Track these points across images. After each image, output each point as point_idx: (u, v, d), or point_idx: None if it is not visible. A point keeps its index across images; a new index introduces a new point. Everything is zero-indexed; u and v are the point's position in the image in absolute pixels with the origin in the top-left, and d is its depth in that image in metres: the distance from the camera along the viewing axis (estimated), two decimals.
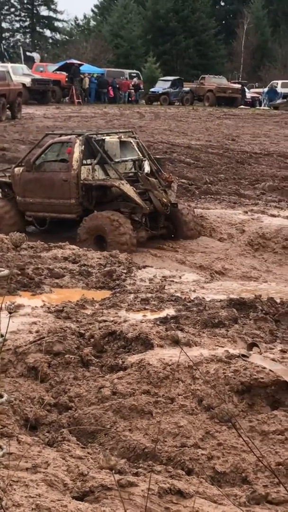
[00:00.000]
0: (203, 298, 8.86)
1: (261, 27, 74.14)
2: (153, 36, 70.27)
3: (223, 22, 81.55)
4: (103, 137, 13.91)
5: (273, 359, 6.36)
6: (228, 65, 73.61)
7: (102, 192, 13.33)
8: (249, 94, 56.10)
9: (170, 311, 8.16)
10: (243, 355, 6.37)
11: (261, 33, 73.81)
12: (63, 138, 14.07)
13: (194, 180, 19.94)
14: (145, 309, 8.42)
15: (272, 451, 5.16)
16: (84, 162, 13.28)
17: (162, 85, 53.80)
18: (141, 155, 14.15)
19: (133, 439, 5.47)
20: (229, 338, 7.10)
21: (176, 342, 6.38)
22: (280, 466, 4.99)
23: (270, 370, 6.05)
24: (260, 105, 53.99)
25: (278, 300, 8.59)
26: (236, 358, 6.30)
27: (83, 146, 13.26)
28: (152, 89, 54.07)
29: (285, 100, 52.17)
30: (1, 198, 14.23)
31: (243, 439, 5.14)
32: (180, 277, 10.64)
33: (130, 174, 13.87)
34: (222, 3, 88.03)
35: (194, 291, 9.64)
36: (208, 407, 5.74)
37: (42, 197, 13.45)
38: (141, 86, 55.00)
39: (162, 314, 8.06)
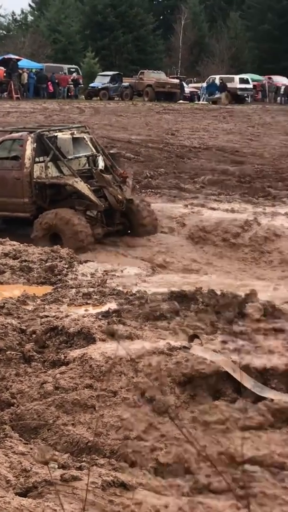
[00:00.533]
0: (145, 291, 8.86)
1: (198, 22, 74.44)
2: (91, 31, 69.96)
3: (161, 17, 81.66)
4: (56, 134, 13.62)
5: (214, 350, 6.41)
6: (166, 60, 73.60)
7: (56, 190, 13.10)
8: (187, 89, 56.21)
9: (112, 305, 8.16)
10: (185, 347, 6.41)
11: (199, 28, 74.10)
12: (14, 135, 13.77)
13: (134, 175, 19.87)
14: (87, 303, 8.41)
15: (214, 441, 5.20)
16: (37, 159, 12.99)
17: (101, 80, 53.62)
18: (94, 151, 13.92)
19: (76, 433, 5.46)
20: (170, 331, 7.13)
21: (112, 335, 6.41)
22: (222, 456, 5.03)
23: (211, 361, 6.09)
24: (199, 100, 54.25)
25: (218, 292, 8.62)
26: (178, 350, 6.32)
27: (35, 143, 12.98)
28: (91, 84, 53.82)
29: (223, 93, 52.51)
30: None
31: (181, 431, 5.17)
32: (121, 271, 10.63)
33: (84, 171, 13.62)
34: None
35: (135, 284, 9.66)
36: (151, 399, 5.76)
37: None
38: (80, 81, 54.65)
39: (104, 308, 8.05)
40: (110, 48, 68.26)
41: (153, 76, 53.63)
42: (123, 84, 53.22)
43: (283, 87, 56.64)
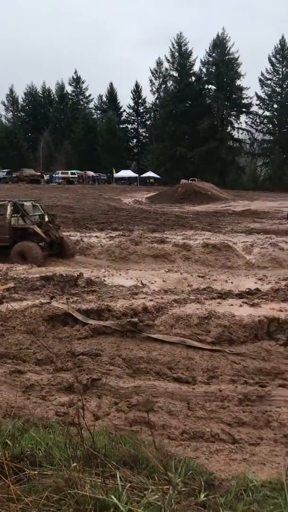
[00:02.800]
0: (27, 276, 8.58)
1: (50, 145, 72.44)
2: None
3: (30, 143, 77.73)
4: (23, 202, 12.63)
5: (63, 303, 6.33)
6: (34, 163, 71.07)
7: (23, 231, 11.92)
8: (45, 177, 54.84)
9: (11, 284, 7.81)
10: (48, 302, 6.28)
11: (49, 148, 72.23)
12: (2, 202, 12.38)
13: None
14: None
15: (63, 346, 5.14)
16: (13, 215, 11.94)
17: (1, 174, 51.22)
18: (43, 212, 12.90)
19: None
20: (41, 295, 6.95)
21: (3, 299, 6.10)
22: (68, 353, 4.97)
23: (61, 308, 6.02)
24: (50, 183, 53.08)
25: (64, 274, 8.55)
26: (45, 304, 6.19)
27: (12, 206, 11.96)
28: None
29: (62, 180, 51.77)
30: None
31: (44, 345, 5.06)
32: (16, 268, 10.20)
33: (38, 221, 12.45)
34: (29, 133, 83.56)
35: (23, 273, 9.32)
36: (32, 329, 5.59)
37: None
38: None
39: (7, 286, 7.68)
40: (4, 157, 64.70)
41: (27, 171, 52.01)
42: (13, 175, 51.06)
43: (91, 176, 56.88)
